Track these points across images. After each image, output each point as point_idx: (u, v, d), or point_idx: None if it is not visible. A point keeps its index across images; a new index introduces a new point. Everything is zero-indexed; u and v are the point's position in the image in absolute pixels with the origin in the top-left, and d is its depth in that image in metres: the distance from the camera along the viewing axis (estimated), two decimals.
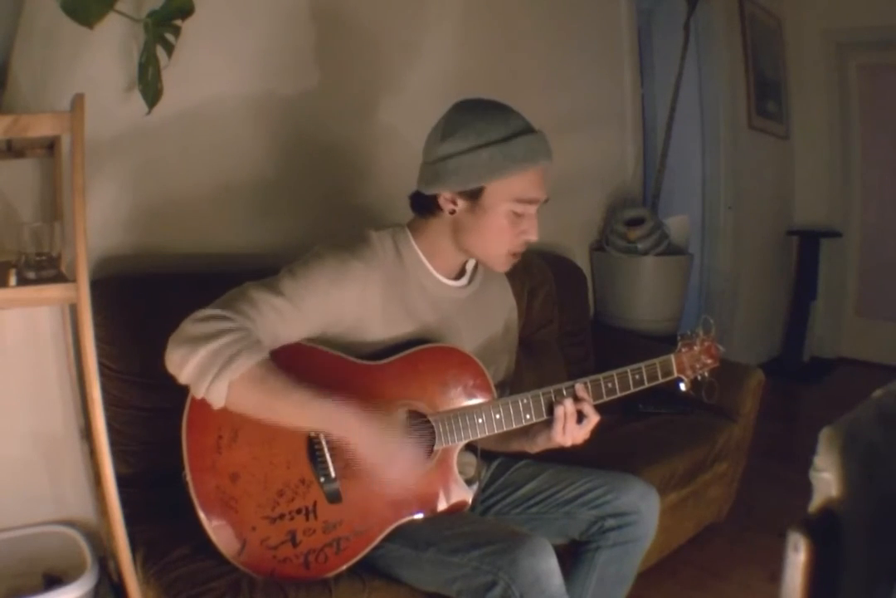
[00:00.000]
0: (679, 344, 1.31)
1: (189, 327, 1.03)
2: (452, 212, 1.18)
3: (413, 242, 1.23)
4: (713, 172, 3.36)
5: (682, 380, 1.30)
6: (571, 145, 2.57)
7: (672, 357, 1.30)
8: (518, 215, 1.17)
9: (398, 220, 1.29)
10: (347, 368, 1.16)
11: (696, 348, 1.32)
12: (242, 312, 1.05)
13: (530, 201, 1.17)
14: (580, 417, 1.19)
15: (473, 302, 1.31)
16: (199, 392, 1.01)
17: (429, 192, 1.19)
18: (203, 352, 0.99)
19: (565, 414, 1.18)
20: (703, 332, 1.34)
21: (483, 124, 1.14)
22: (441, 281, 1.25)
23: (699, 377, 1.32)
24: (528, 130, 1.17)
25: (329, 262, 1.14)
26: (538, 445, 1.26)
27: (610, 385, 1.23)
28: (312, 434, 1.12)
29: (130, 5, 1.40)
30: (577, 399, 1.20)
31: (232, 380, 1.00)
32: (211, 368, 0.99)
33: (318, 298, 1.11)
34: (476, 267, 1.32)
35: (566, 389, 1.22)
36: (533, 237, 1.19)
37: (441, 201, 1.18)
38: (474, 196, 1.16)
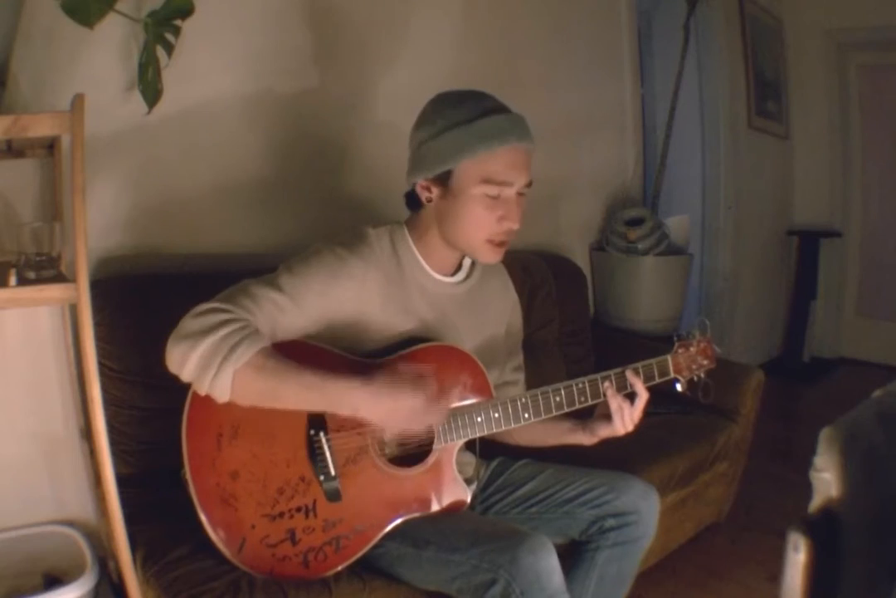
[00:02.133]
0: (675, 345, 1.32)
1: (188, 322, 1.03)
2: (429, 200, 1.18)
3: (409, 240, 1.23)
4: (713, 172, 3.36)
5: (678, 381, 1.31)
6: (571, 145, 2.58)
7: (669, 358, 1.30)
8: (493, 199, 1.14)
9: (398, 216, 1.29)
10: (348, 366, 1.15)
11: (693, 349, 1.33)
12: (242, 305, 1.05)
13: (502, 183, 1.14)
14: (631, 399, 1.22)
15: (472, 299, 1.30)
16: (203, 387, 1.01)
17: (409, 183, 1.20)
18: (204, 345, 0.99)
19: (620, 406, 1.21)
20: (700, 333, 1.35)
21: (452, 110, 1.14)
22: (437, 278, 1.25)
23: (695, 378, 1.33)
24: (499, 110, 1.15)
25: (327, 259, 1.14)
26: (599, 436, 1.27)
27: (607, 385, 1.23)
28: (312, 432, 1.12)
29: (130, 5, 1.40)
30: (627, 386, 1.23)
31: (236, 369, 0.99)
32: (214, 359, 0.99)
33: (316, 294, 1.11)
34: (473, 262, 1.32)
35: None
36: (513, 225, 1.16)
37: (419, 190, 1.19)
38: (444, 180, 1.15)
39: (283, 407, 1.06)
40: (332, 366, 1.12)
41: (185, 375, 1.01)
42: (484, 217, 1.15)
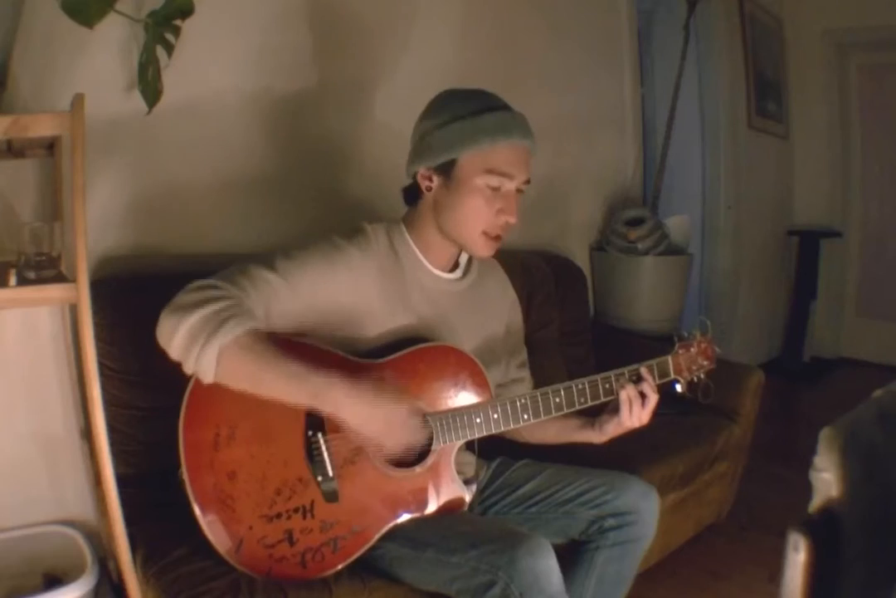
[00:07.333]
0: (676, 346, 1.32)
1: (181, 296, 1.03)
2: (429, 189, 1.20)
3: (407, 236, 1.24)
4: (713, 172, 3.36)
5: (678, 382, 1.31)
6: (571, 145, 2.57)
7: (669, 359, 1.30)
8: (493, 190, 1.17)
9: (395, 215, 1.30)
10: (346, 366, 1.15)
11: (693, 350, 1.32)
12: (237, 283, 1.06)
13: (503, 175, 1.16)
14: (643, 398, 1.22)
15: (470, 296, 1.31)
16: (189, 362, 1.00)
17: (410, 172, 1.23)
18: (194, 318, 0.98)
19: (630, 398, 1.21)
20: (700, 333, 1.35)
21: (458, 104, 1.19)
22: (436, 274, 1.26)
23: (695, 379, 1.33)
24: (504, 108, 1.20)
25: (324, 247, 1.15)
26: (608, 433, 1.27)
27: (608, 386, 1.23)
28: (310, 433, 1.12)
29: (130, 5, 1.40)
30: (637, 382, 1.23)
31: (222, 345, 0.98)
32: (201, 333, 0.98)
33: (312, 280, 1.11)
34: (470, 260, 1.33)
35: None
36: (511, 219, 1.18)
37: (419, 179, 1.21)
38: (447, 169, 1.18)
39: (265, 394, 1.03)
40: (331, 368, 1.12)
41: (173, 348, 1.00)
42: (482, 208, 1.17)
